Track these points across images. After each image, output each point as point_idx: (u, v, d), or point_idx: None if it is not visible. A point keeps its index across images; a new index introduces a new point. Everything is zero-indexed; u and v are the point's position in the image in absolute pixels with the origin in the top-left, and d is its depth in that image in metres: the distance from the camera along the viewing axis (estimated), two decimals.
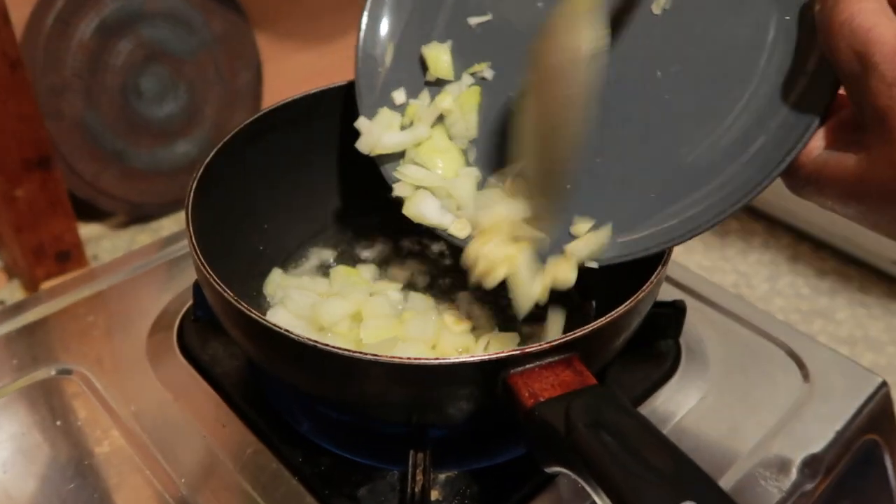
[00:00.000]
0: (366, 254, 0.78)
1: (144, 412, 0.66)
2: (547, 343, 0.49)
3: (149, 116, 1.77)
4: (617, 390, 0.47)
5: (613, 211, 0.60)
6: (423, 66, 0.69)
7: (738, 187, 0.54)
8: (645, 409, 0.67)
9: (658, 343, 0.73)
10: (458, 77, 0.68)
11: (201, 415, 0.66)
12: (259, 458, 0.62)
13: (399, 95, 0.68)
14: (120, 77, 1.71)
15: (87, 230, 1.79)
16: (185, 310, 0.76)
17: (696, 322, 0.77)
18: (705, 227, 0.55)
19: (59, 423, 0.66)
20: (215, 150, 0.67)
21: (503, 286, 0.73)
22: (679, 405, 0.68)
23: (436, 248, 0.78)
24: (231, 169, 0.69)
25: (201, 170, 0.65)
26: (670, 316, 0.71)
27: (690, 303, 0.77)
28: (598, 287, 0.69)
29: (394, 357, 0.48)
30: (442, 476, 0.61)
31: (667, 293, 0.80)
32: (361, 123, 0.67)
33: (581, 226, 0.60)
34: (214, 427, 0.65)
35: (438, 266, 0.76)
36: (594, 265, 0.58)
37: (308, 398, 0.62)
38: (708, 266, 1.79)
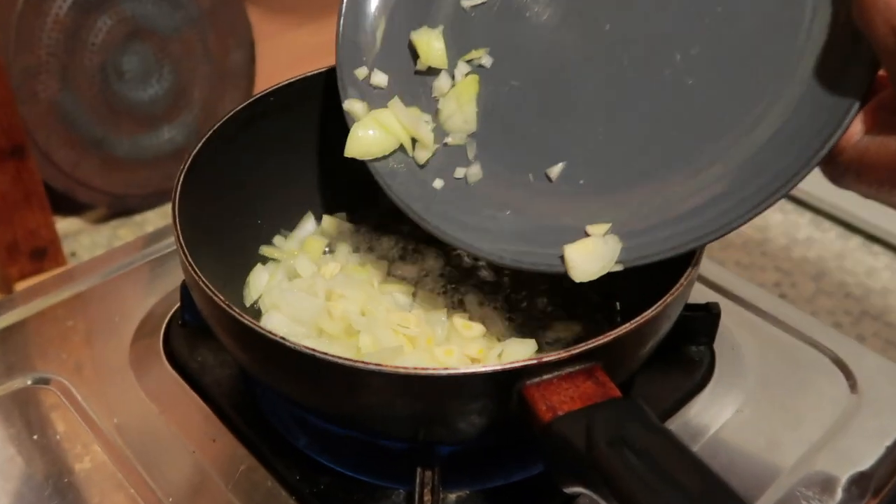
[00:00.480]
0: (371, 249, 0.78)
1: (128, 425, 0.67)
2: (566, 351, 0.49)
3: (131, 100, 1.79)
4: (643, 403, 0.47)
5: (634, 208, 0.60)
6: (414, 55, 0.69)
7: (773, 179, 0.54)
8: (674, 423, 0.68)
9: (689, 350, 0.73)
10: (452, 65, 0.68)
11: (190, 428, 0.67)
12: (253, 476, 0.63)
13: (378, 77, 0.69)
14: (99, 57, 1.72)
15: (64, 225, 1.81)
16: (171, 313, 0.77)
17: (732, 326, 0.77)
18: (737, 224, 0.55)
19: (35, 437, 0.67)
20: (204, 138, 0.68)
21: (521, 287, 0.74)
22: (712, 418, 0.68)
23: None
24: (222, 159, 0.69)
25: (189, 160, 0.65)
26: (703, 320, 0.72)
27: (726, 305, 0.77)
28: (622, 287, 0.70)
29: (399, 367, 0.49)
30: (452, 496, 0.61)
31: (699, 294, 0.80)
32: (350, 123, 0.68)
33: (596, 229, 0.60)
34: (204, 441, 0.66)
35: (450, 263, 0.77)
36: (618, 268, 0.58)
37: (306, 411, 0.62)
38: (746, 263, 1.79)
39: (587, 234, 0.60)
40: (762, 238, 1.86)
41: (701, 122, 0.59)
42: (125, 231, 1.83)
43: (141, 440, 0.66)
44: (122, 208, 1.86)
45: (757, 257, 1.81)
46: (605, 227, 0.60)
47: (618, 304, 0.72)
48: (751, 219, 0.54)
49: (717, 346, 0.74)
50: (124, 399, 0.69)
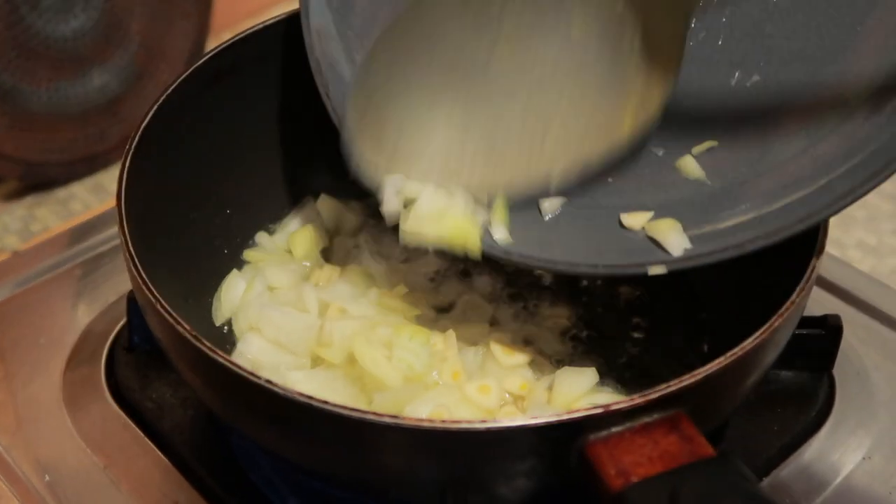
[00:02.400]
0: (383, 244, 0.78)
1: (64, 484, 0.68)
2: (641, 397, 0.49)
3: (48, 35, 1.79)
4: (743, 465, 0.47)
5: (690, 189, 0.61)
6: None
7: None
8: (782, 475, 0.68)
9: (800, 377, 0.73)
10: None
11: (144, 487, 0.67)
12: None
13: None
14: None
15: None
16: (115, 333, 0.78)
17: (856, 343, 0.77)
18: (846, 201, 0.54)
19: None
20: (158, 102, 0.68)
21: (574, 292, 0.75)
22: (832, 468, 0.69)
23: None
24: (182, 130, 0.70)
25: (138, 134, 0.66)
26: (819, 338, 0.71)
27: (847, 313, 0.76)
28: (709, 295, 0.70)
29: (422, 421, 0.49)
30: None
31: (812, 300, 0.80)
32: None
33: (636, 218, 0.61)
34: None
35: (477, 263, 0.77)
36: (660, 270, 0.58)
37: (298, 469, 0.63)
38: (873, 246, 1.77)
39: (621, 225, 0.61)
40: (894, 209, 1.83)
41: (809, 58, 0.61)
42: (45, 211, 1.83)
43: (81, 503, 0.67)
44: (39, 180, 1.86)
45: (887, 236, 1.78)
46: (647, 215, 0.61)
47: (705, 314, 0.73)
48: (864, 194, 0.54)
49: (836, 371, 0.74)
50: (57, 449, 0.70)
